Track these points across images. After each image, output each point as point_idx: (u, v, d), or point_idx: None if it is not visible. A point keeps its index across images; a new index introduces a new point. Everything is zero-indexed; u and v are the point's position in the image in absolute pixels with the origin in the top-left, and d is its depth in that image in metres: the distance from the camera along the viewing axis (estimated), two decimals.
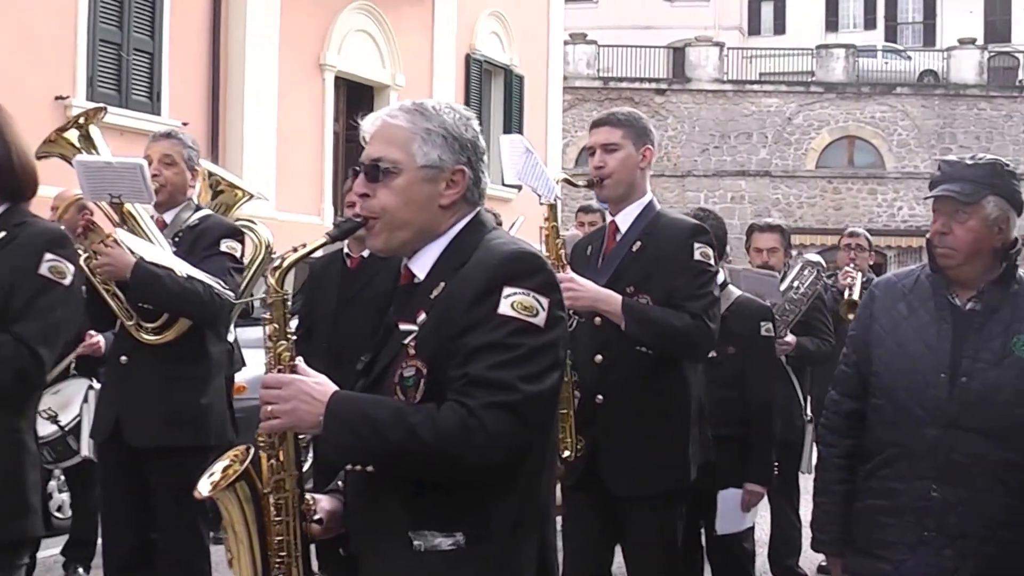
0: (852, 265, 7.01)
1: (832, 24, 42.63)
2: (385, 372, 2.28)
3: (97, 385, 5.60)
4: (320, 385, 2.21)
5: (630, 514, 3.79)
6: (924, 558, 2.97)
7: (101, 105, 4.78)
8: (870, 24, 42.41)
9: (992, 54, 34.66)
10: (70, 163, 4.34)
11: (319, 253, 2.60)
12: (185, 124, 11.47)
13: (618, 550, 4.00)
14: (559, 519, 3.27)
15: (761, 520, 5.45)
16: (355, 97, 16.09)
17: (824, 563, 5.66)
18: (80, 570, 6.06)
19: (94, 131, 4.45)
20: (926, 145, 31.63)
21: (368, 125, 2.37)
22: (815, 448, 4.22)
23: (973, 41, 34.33)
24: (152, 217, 4.46)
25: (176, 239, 4.44)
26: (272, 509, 2.30)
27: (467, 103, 16.65)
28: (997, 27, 40.81)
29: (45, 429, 5.50)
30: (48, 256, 2.94)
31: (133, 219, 4.31)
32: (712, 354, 4.04)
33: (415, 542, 2.19)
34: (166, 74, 12.97)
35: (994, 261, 3.04)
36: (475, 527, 2.19)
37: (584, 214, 7.20)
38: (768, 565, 6.01)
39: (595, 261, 3.92)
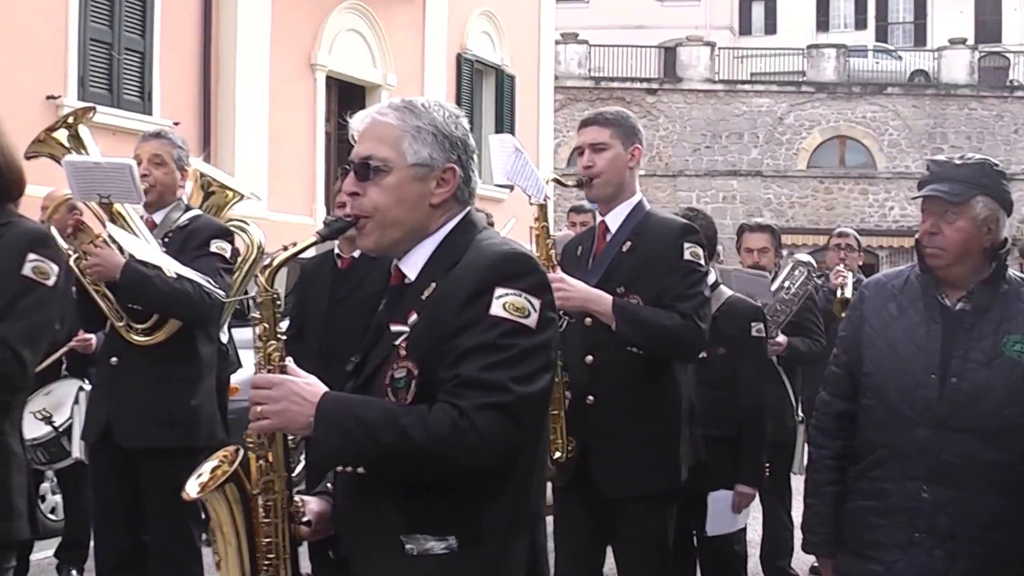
0: (842, 265, 7.01)
1: (823, 24, 42.70)
2: (376, 373, 2.26)
3: (88, 386, 5.58)
4: (310, 386, 2.20)
5: (621, 515, 3.79)
6: (915, 559, 2.97)
7: (90, 105, 4.77)
8: (861, 24, 42.49)
9: (983, 54, 34.73)
10: (59, 163, 4.33)
11: (310, 253, 2.59)
12: (176, 124, 11.44)
13: (609, 551, 3.99)
14: (550, 520, 3.26)
15: (753, 521, 5.44)
16: (346, 97, 16.06)
17: (816, 564, 5.66)
18: (73, 572, 6.02)
19: (83, 131, 4.44)
20: (917, 145, 31.66)
21: (357, 123, 2.34)
22: (806, 449, 4.22)
23: (964, 41, 34.36)
24: (141, 217, 4.45)
25: (166, 240, 4.42)
26: (261, 511, 2.28)
27: (458, 103, 16.64)
28: (988, 27, 40.91)
29: (39, 430, 5.48)
30: (31, 256, 2.89)
31: (122, 219, 4.30)
32: (703, 354, 4.03)
33: (407, 546, 2.18)
34: (157, 74, 12.95)
35: (984, 261, 3.03)
36: (467, 530, 2.18)
37: (577, 214, 7.20)
38: (760, 566, 6.00)
39: (585, 261, 3.91)
